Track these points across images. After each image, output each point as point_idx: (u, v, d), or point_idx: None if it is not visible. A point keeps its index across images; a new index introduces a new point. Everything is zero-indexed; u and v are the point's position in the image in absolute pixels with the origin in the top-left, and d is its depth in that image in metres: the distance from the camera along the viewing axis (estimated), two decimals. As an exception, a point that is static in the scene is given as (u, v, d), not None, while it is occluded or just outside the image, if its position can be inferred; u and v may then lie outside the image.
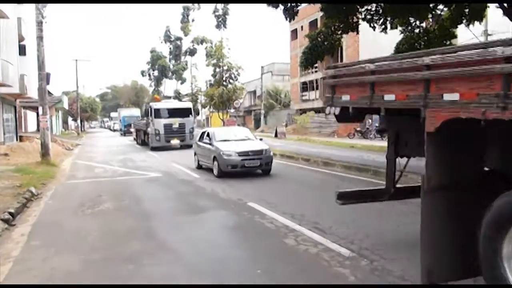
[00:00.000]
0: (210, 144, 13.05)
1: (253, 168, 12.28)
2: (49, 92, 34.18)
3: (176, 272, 4.81)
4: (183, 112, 25.00)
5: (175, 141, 23.91)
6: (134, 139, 33.41)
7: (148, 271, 4.85)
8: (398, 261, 4.92)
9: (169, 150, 23.44)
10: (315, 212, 7.43)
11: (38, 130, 24.30)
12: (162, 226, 6.97)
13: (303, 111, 46.83)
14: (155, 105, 25.48)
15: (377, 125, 34.64)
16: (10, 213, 7.50)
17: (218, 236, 6.37)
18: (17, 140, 25.47)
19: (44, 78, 16.72)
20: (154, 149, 23.62)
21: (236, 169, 12.02)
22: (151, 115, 24.30)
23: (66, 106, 50.61)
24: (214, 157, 12.46)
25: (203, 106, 46.40)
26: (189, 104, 26.63)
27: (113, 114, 74.74)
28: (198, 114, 28.67)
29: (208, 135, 13.71)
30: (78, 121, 58.27)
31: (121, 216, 7.82)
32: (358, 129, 35.36)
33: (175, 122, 23.94)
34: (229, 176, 12.17)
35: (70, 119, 70.13)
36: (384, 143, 23.52)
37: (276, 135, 34.99)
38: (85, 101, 69.64)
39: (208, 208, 8.41)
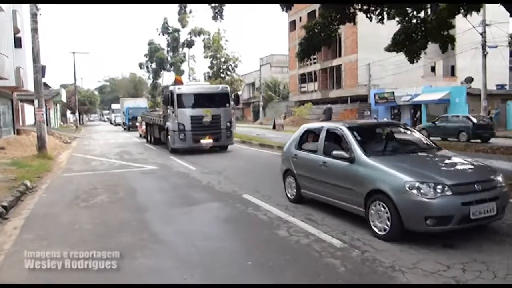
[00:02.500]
0: (349, 160, 6.24)
1: (486, 220, 5.40)
2: (46, 85, 34.15)
3: (167, 265, 4.80)
4: (219, 99, 17.81)
5: (206, 141, 17.41)
6: (141, 135, 28.48)
7: (138, 264, 4.85)
8: (389, 252, 4.94)
9: (201, 153, 16.92)
10: (309, 204, 7.43)
11: (35, 123, 24.24)
12: (155, 219, 6.96)
13: (301, 103, 46.77)
14: (178, 89, 17.75)
15: (375, 116, 34.80)
16: (3, 207, 7.48)
17: (211, 228, 6.37)
18: (14, 133, 25.44)
19: (39, 70, 16.62)
20: (175, 151, 17.33)
21: (449, 226, 5.17)
22: (171, 103, 17.43)
23: (64, 99, 50.48)
24: (374, 193, 5.69)
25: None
26: (226, 88, 18.75)
27: (114, 106, 66.84)
28: (237, 103, 21.56)
29: (337, 139, 6.87)
30: (77, 114, 58.14)
31: (115, 208, 7.81)
32: (356, 120, 35.36)
33: (207, 113, 17.27)
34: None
35: (68, 112, 70.08)
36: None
37: (274, 127, 35.10)
38: (83, 94, 69.49)
39: (202, 200, 8.39)
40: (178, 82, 21.33)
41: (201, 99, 17.72)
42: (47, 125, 19.22)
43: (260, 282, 4.29)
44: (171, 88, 18.53)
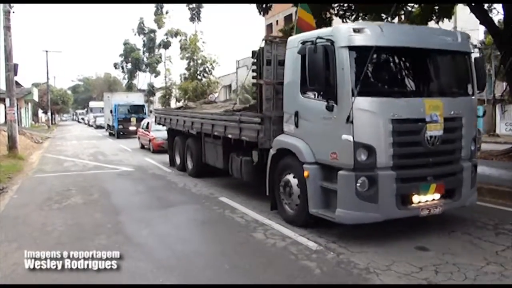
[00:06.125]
0: None
1: None
2: (18, 84, 33.16)
3: (143, 268, 4.76)
4: (454, 72, 6.44)
5: (428, 197, 5.51)
6: (144, 146, 19.09)
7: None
8: (364, 254, 5.02)
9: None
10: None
11: (6, 122, 23.51)
12: (131, 221, 6.87)
13: (278, 106, 46.94)
14: (355, 35, 5.15)
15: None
16: (-28, 208, 7.27)
17: (187, 231, 6.35)
18: (-17, 133, 24.64)
19: (12, 69, 16.27)
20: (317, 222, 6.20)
21: None
22: (329, 82, 5.23)
23: (36, 98, 49.16)
24: None
25: (178, 100, 46.02)
26: (467, 41, 6.10)
27: (93, 104, 57.20)
28: (484, 84, 6.36)
29: None
30: (49, 113, 56.70)
31: (89, 210, 7.67)
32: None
33: (436, 112, 5.34)
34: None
35: (40, 111, 68.36)
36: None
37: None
38: (56, 93, 67.78)
39: (179, 202, 8.35)
40: (305, 26, 7.86)
41: (415, 69, 6.10)
42: (18, 124, 18.73)
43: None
44: (326, 34, 5.57)
